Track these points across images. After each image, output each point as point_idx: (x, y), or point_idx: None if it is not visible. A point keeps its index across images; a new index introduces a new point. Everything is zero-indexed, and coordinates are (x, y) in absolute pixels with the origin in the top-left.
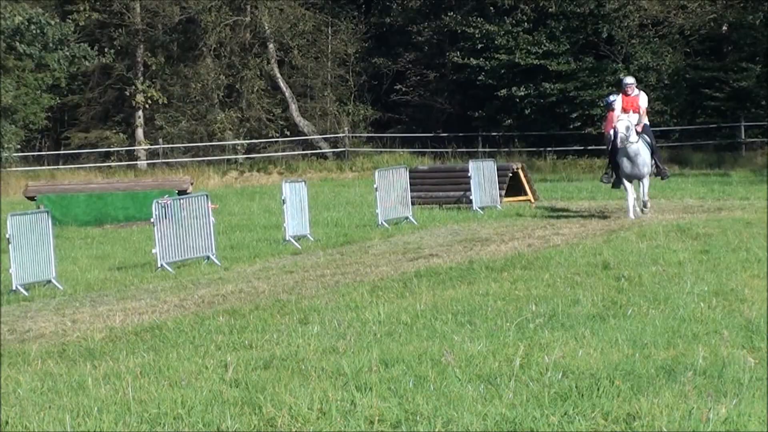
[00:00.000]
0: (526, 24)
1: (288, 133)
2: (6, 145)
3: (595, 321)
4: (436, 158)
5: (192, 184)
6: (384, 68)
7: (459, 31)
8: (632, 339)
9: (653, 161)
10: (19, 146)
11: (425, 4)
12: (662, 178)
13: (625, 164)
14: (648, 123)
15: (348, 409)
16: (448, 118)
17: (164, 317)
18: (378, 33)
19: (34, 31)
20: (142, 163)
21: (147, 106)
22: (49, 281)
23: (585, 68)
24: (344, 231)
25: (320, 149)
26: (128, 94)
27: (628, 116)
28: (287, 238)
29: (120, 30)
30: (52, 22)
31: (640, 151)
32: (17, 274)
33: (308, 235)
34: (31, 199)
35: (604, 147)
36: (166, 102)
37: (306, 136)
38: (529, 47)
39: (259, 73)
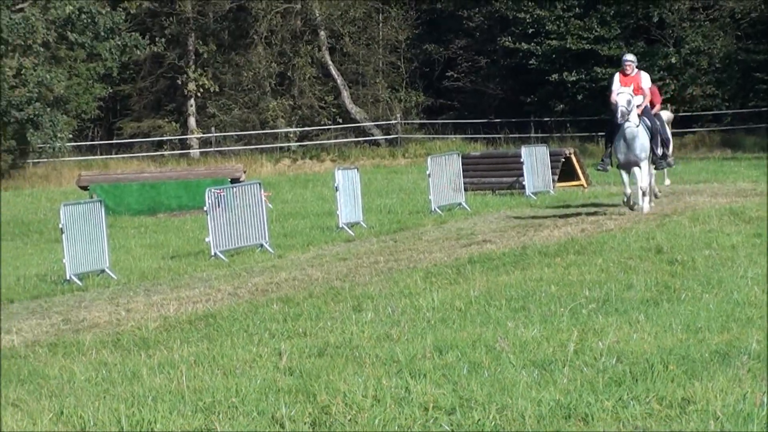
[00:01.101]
0: (577, 9)
1: (340, 120)
2: (59, 135)
3: (648, 305)
4: (489, 144)
5: (245, 172)
6: (435, 54)
7: (510, 16)
8: (686, 323)
9: (653, 147)
10: (71, 136)
11: None
12: (657, 168)
13: (621, 148)
14: (649, 106)
15: (402, 396)
16: (499, 104)
17: (218, 306)
18: (429, 19)
19: (85, 21)
20: (195, 152)
21: (199, 94)
22: (103, 271)
23: (636, 53)
24: (397, 218)
25: (372, 136)
26: (180, 82)
27: (631, 93)
28: (340, 225)
29: (171, 18)
30: (103, 11)
31: (639, 134)
32: (71, 264)
33: (361, 222)
34: (84, 188)
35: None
36: (217, 90)
37: (358, 123)
38: (580, 32)
39: (310, 60)
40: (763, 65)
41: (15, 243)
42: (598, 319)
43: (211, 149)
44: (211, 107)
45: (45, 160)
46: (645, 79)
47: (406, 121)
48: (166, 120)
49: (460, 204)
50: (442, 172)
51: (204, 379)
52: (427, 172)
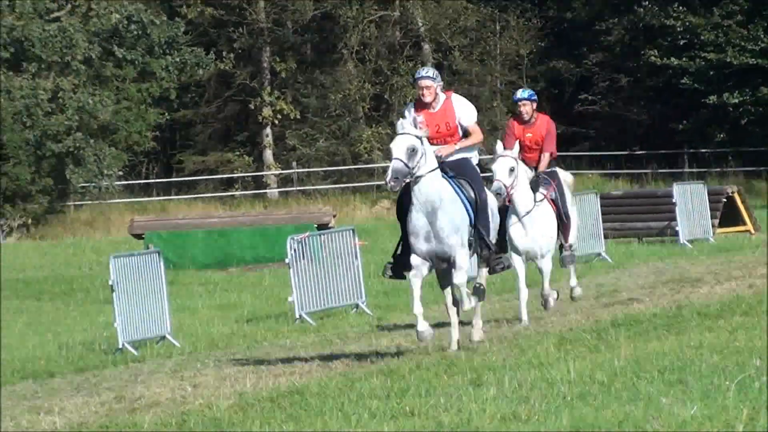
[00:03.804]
0: (739, 15)
1: None
2: (106, 172)
3: None
4: (633, 181)
5: (334, 216)
6: (565, 72)
7: (656, 25)
8: None
9: (479, 230)
10: (121, 173)
11: None
12: (490, 270)
13: (417, 228)
14: (477, 161)
15: None
16: (645, 132)
17: (305, 379)
18: (557, 30)
19: (135, 33)
20: (273, 192)
21: (276, 122)
22: (164, 337)
23: None
24: None
25: (488, 171)
26: (253, 107)
27: (419, 135)
28: None
29: (241, 29)
30: (157, 21)
31: (445, 203)
32: (124, 330)
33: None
34: (138, 237)
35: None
36: (299, 117)
37: None
38: (743, 43)
39: (412, 80)
40: None
41: (55, 304)
42: None
43: (293, 188)
44: (291, 138)
45: (89, 202)
46: (463, 108)
47: None
48: (237, 153)
49: (599, 254)
50: (578, 216)
51: None
52: None
